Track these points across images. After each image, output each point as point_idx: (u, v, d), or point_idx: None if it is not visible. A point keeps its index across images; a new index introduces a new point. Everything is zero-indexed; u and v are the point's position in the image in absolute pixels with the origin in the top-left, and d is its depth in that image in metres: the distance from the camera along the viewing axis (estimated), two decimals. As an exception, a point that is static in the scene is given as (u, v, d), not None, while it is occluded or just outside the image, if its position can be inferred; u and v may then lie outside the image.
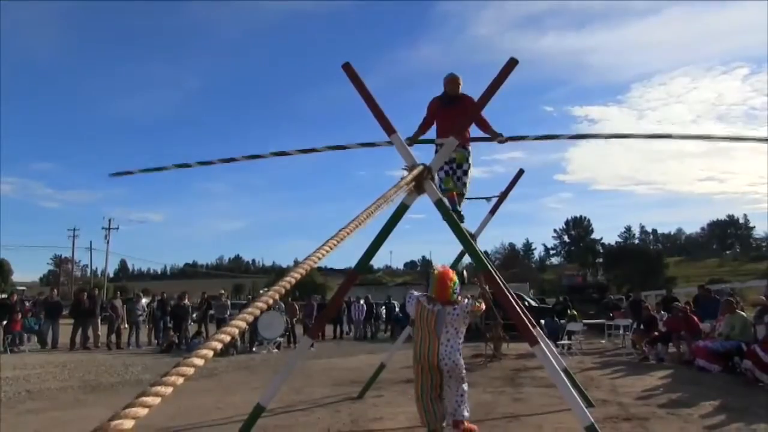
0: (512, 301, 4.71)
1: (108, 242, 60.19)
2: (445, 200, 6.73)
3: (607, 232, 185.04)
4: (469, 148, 6.91)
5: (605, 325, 18.10)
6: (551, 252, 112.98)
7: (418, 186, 4.92)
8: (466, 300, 5.79)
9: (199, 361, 1.67)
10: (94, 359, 14.16)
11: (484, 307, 5.93)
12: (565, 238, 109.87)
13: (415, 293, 6.05)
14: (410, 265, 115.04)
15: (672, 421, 6.78)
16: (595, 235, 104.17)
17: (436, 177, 6.66)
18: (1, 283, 61.83)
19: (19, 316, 16.26)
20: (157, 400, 1.47)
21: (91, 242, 63.43)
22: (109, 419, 1.34)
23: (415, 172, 4.78)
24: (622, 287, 55.56)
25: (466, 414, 5.96)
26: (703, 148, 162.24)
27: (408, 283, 47.25)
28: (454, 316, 5.66)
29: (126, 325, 18.26)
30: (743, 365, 9.87)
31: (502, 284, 4.74)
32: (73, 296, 20.19)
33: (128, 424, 1.33)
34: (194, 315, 21.10)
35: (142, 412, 1.40)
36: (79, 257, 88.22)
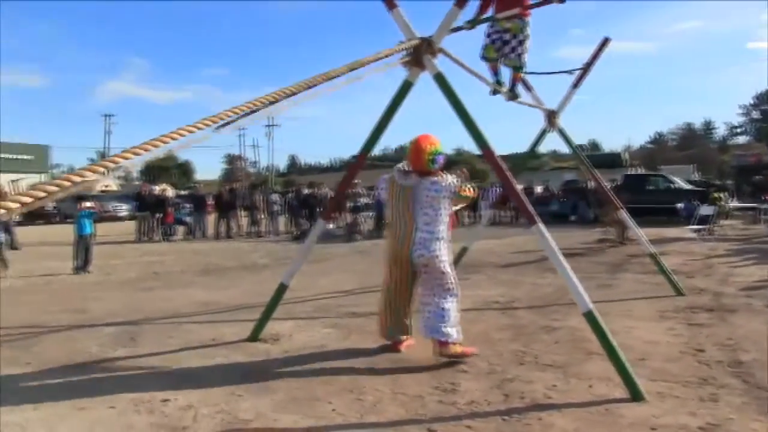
0: (511, 181, 4.30)
1: (270, 139, 64.39)
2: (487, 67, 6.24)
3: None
4: (527, 18, 6.21)
5: (759, 209, 16.12)
6: (736, 131, 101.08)
7: (418, 61, 4.57)
8: (450, 177, 4.71)
9: None
10: (229, 246, 15.56)
11: (473, 193, 4.84)
12: (755, 114, 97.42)
13: (386, 176, 5.00)
14: (578, 148, 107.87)
15: (762, 315, 6.01)
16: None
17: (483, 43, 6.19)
18: (186, 182, 68.84)
19: (171, 209, 18.22)
20: None
21: (255, 140, 68.05)
22: None
23: (407, 44, 4.43)
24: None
25: (453, 333, 4.54)
26: None
27: (567, 168, 43.75)
28: (433, 192, 4.58)
29: (264, 215, 19.69)
30: None
31: (501, 166, 4.33)
32: (247, 190, 21.90)
33: None
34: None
35: None
36: (250, 155, 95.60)
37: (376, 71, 4.32)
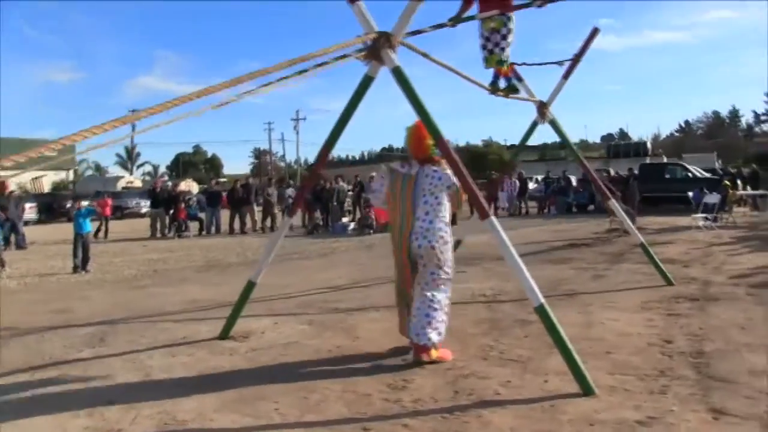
0: (462, 171, 4.21)
1: (297, 132, 63.95)
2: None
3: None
4: (511, 13, 6.17)
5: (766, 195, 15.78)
6: (763, 118, 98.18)
7: (376, 55, 4.51)
8: (449, 169, 4.49)
9: None
10: (240, 242, 15.58)
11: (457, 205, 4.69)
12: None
13: (383, 166, 4.98)
14: (607, 138, 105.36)
15: (741, 303, 5.92)
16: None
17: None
18: (215, 177, 69.44)
19: (183, 205, 18.29)
20: None
21: (282, 134, 67.99)
22: None
23: (364, 38, 4.38)
24: None
25: (434, 337, 4.35)
26: None
27: (595, 158, 43.14)
28: (435, 180, 4.47)
29: (278, 211, 19.61)
30: None
31: (454, 157, 4.26)
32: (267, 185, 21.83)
33: None
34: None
35: None
36: (277, 149, 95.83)
37: (332, 65, 4.33)
